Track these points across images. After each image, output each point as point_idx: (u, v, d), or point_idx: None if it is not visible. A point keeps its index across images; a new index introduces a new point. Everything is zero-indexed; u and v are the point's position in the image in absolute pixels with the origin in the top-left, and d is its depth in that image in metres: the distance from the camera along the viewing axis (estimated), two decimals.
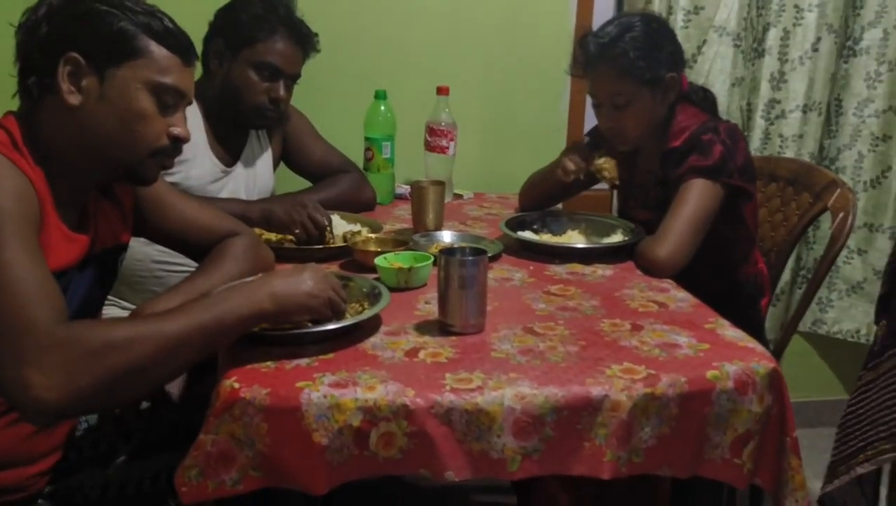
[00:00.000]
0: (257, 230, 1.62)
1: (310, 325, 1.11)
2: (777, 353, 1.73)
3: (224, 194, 1.77)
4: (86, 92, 1.05)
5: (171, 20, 1.11)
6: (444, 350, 1.12)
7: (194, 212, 1.33)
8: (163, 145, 1.11)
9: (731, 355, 1.12)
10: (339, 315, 1.13)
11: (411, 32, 2.19)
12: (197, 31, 1.65)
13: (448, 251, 1.20)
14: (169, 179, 1.51)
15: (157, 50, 1.08)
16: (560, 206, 2.06)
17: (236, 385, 0.98)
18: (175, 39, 1.10)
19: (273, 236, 1.62)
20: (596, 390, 1.02)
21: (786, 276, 2.46)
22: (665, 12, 2.21)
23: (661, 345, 1.16)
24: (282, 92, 1.72)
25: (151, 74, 1.07)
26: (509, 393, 1.00)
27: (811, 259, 2.49)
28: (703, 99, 1.71)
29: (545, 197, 1.94)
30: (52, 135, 1.06)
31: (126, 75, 1.06)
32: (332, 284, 1.13)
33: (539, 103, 2.29)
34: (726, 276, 1.71)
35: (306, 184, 1.96)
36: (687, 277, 1.51)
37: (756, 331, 1.75)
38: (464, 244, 1.59)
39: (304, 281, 1.08)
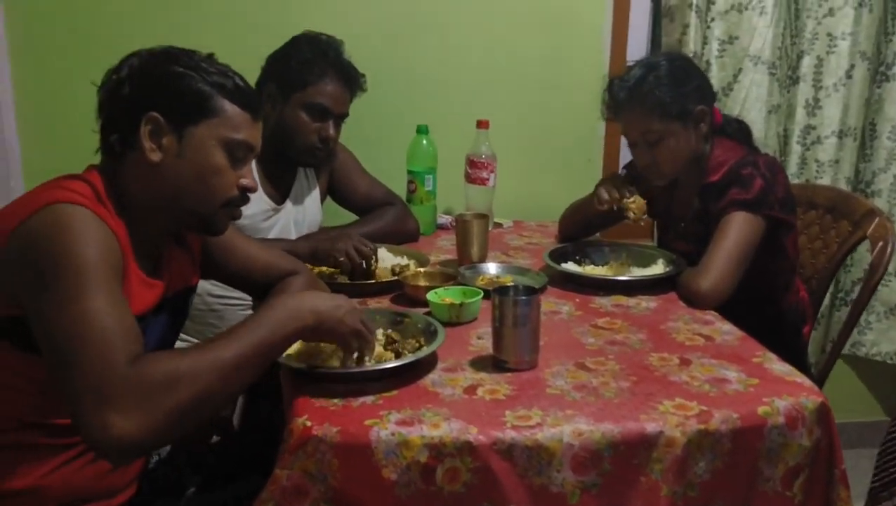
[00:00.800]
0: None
1: (368, 362, 1.17)
2: (820, 379, 1.76)
3: (275, 230, 1.84)
4: (165, 149, 1.11)
5: (242, 78, 1.18)
6: (500, 387, 1.16)
7: (257, 253, 1.40)
8: (233, 196, 1.18)
9: (780, 390, 1.15)
10: (364, 345, 1.17)
11: (451, 69, 2.26)
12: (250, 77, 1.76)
13: (501, 290, 1.25)
14: None
15: (231, 108, 1.14)
16: (598, 235, 2.10)
17: (308, 423, 1.03)
18: (246, 97, 1.17)
19: (325, 270, 1.69)
20: (651, 427, 1.06)
21: (825, 299, 2.46)
22: (700, 42, 2.25)
23: (711, 380, 1.19)
24: (331, 131, 1.79)
25: (225, 132, 1.14)
26: (567, 430, 1.04)
27: (848, 281, 2.50)
28: (738, 130, 1.75)
29: (583, 226, 1.98)
30: (134, 189, 1.13)
31: (203, 133, 1.12)
32: (363, 319, 1.17)
33: (574, 134, 2.34)
34: (769, 305, 1.74)
35: (353, 217, 2.02)
36: (730, 307, 1.54)
37: (800, 358, 1.78)
38: (515, 281, 1.64)
39: (340, 307, 1.13)
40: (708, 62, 2.26)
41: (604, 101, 1.74)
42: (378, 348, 1.24)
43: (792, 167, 2.38)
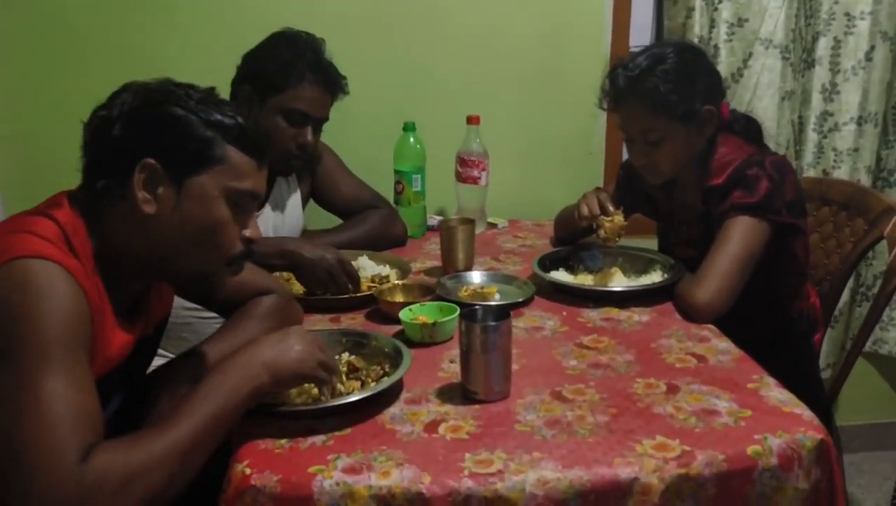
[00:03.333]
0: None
1: (323, 398, 1.08)
2: (839, 379, 1.65)
3: None
4: (161, 200, 0.99)
5: (244, 119, 1.06)
6: (465, 423, 1.06)
7: None
8: (239, 251, 1.07)
9: (775, 425, 1.04)
10: (332, 372, 1.09)
11: (439, 61, 2.14)
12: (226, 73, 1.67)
13: (469, 314, 1.15)
14: None
15: (235, 155, 1.03)
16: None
17: (247, 471, 0.95)
18: (250, 141, 1.05)
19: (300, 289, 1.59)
20: (625, 473, 0.95)
21: (844, 295, 2.33)
22: (706, 26, 2.11)
23: (699, 412, 1.09)
24: (309, 137, 1.68)
25: (229, 181, 1.02)
26: (531, 477, 0.94)
27: (870, 275, 2.36)
28: (747, 127, 1.61)
29: (576, 234, 1.87)
30: (120, 241, 1.01)
31: (205, 183, 1.01)
32: (319, 345, 1.08)
33: (574, 127, 2.22)
34: (777, 314, 1.62)
35: (336, 220, 1.93)
36: (734, 316, 1.43)
37: (809, 372, 1.66)
38: (500, 291, 1.54)
39: (291, 347, 1.03)
40: (716, 47, 2.12)
41: (603, 89, 1.60)
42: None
43: (808, 157, 2.23)
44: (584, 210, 1.62)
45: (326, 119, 1.74)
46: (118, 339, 1.04)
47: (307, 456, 0.99)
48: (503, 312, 1.15)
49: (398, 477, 0.94)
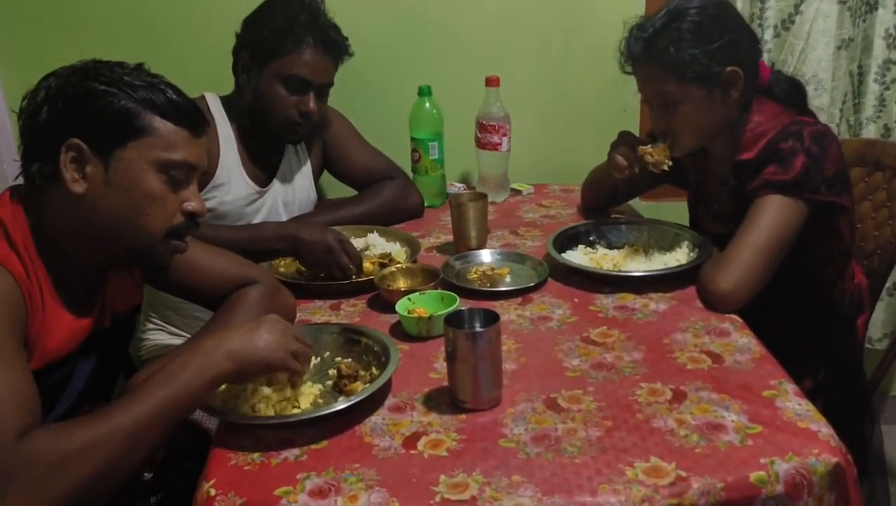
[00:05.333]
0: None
1: (293, 409, 1.04)
2: (894, 353, 1.56)
3: (261, 214, 1.71)
4: (90, 178, 0.99)
5: (176, 90, 1.03)
6: (447, 436, 1.00)
7: (208, 262, 1.27)
8: (177, 224, 1.05)
9: (785, 446, 0.95)
10: (306, 361, 1.08)
11: (454, 19, 2.00)
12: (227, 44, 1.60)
13: (455, 318, 1.07)
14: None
15: (163, 126, 1.01)
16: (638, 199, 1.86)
17: (212, 491, 0.92)
18: (181, 111, 1.02)
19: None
20: (609, 503, 0.88)
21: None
22: None
23: (703, 426, 1.00)
24: (312, 105, 1.61)
25: (159, 152, 1.01)
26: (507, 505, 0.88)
27: None
28: (788, 92, 1.45)
29: (608, 195, 1.77)
30: (58, 224, 1.02)
31: (131, 157, 1.00)
32: (294, 334, 1.06)
33: (603, 82, 2.05)
34: (817, 296, 1.49)
35: (350, 191, 1.86)
36: (769, 300, 1.31)
37: (851, 361, 1.53)
38: (512, 272, 1.47)
39: (260, 337, 1.02)
40: None
41: (620, 50, 1.47)
42: (318, 386, 1.13)
43: (867, 110, 2.03)
44: (620, 160, 1.50)
45: (330, 84, 1.66)
46: (67, 324, 1.04)
47: (276, 474, 0.95)
48: (491, 316, 1.07)
49: (364, 502, 0.89)
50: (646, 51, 1.39)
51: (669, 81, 1.37)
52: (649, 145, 1.46)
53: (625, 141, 1.54)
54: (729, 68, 1.36)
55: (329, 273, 1.48)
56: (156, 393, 0.94)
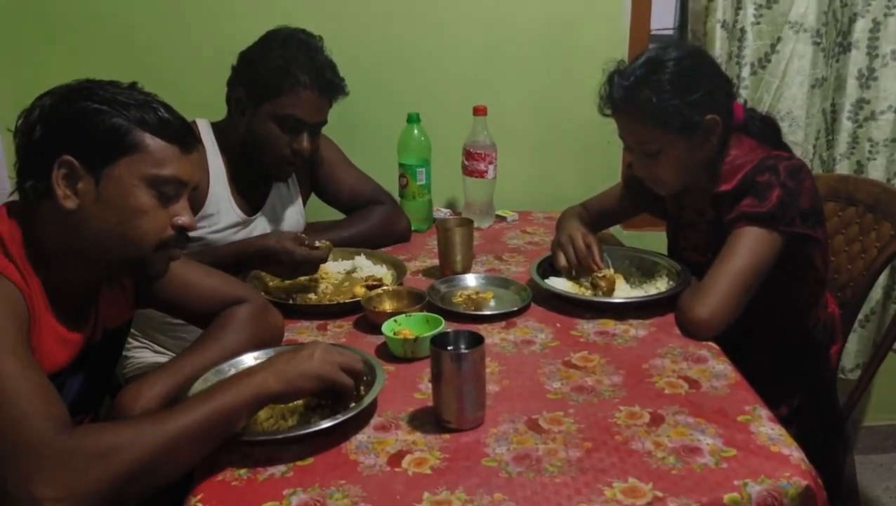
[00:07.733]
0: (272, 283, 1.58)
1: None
2: (865, 380, 1.59)
3: None
4: (82, 194, 1.02)
5: (167, 108, 1.06)
6: (431, 455, 1.03)
7: (197, 280, 1.29)
8: (168, 236, 1.08)
9: (758, 468, 0.98)
10: (358, 377, 1.11)
11: (444, 49, 2.06)
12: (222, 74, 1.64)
13: (440, 340, 1.10)
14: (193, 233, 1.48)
15: (153, 143, 1.04)
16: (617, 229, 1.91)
17: None
18: (171, 129, 1.05)
19: (280, 283, 1.58)
20: None
21: (875, 293, 2.21)
22: (732, 8, 1.99)
23: (680, 449, 1.03)
24: (305, 144, 1.63)
25: (148, 168, 1.04)
26: None
27: None
28: (763, 129, 1.50)
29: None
30: (51, 239, 1.04)
31: (122, 173, 1.02)
32: (341, 353, 1.11)
33: (590, 115, 2.09)
34: (791, 324, 1.54)
35: (339, 215, 1.89)
36: (745, 328, 1.36)
37: (826, 389, 1.58)
38: (496, 297, 1.50)
39: (307, 354, 1.06)
40: (742, 30, 1.99)
41: (601, 95, 1.51)
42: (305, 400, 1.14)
43: (841, 147, 2.11)
44: (562, 260, 1.55)
45: (324, 123, 1.68)
46: (61, 338, 1.07)
47: (263, 490, 0.96)
48: (476, 339, 1.10)
49: None
50: (627, 99, 1.42)
51: (652, 132, 1.41)
52: (602, 273, 1.50)
53: (578, 240, 1.55)
54: (708, 116, 1.40)
55: (294, 272, 1.51)
56: (200, 406, 0.97)
